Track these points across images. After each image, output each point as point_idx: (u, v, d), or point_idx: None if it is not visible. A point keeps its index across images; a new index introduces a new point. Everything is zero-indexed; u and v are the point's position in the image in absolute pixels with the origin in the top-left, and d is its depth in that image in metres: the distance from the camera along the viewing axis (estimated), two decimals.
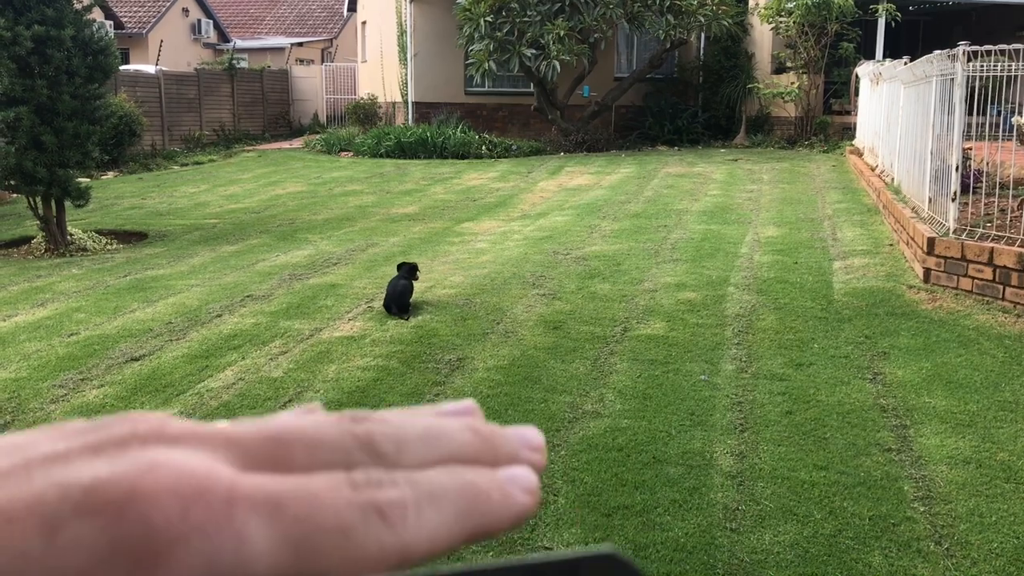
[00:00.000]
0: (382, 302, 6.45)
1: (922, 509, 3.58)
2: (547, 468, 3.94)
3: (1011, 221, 6.91)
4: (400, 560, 0.28)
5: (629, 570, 0.30)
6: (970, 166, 8.21)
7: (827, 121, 17.84)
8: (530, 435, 0.33)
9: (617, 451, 4.12)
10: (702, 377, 5.06)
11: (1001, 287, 6.28)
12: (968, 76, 6.91)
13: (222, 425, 0.30)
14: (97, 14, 22.56)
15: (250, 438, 0.29)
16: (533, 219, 10.50)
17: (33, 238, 9.76)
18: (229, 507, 0.26)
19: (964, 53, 6.79)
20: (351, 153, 18.62)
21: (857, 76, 15.80)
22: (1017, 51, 6.86)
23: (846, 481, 3.80)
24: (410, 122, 19.75)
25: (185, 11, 31.69)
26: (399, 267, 6.57)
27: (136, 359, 5.57)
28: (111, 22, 26.62)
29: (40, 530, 0.25)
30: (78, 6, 9.26)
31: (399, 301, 6.28)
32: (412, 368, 5.28)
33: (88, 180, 12.25)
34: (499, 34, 16.74)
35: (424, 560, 0.29)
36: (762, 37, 19.33)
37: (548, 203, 11.73)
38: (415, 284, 6.51)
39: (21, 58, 8.74)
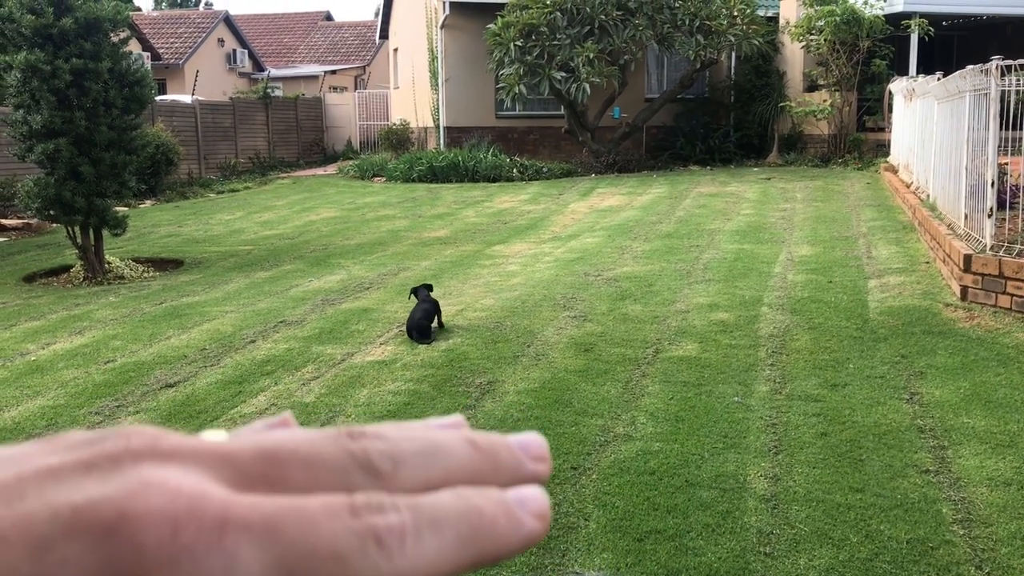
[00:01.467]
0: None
1: (961, 532, 3.50)
2: (578, 493, 3.92)
3: None
4: None
5: None
6: (1006, 181, 8.09)
7: (861, 138, 17.69)
8: (532, 444, 0.32)
9: (649, 475, 4.08)
10: (735, 399, 5.01)
11: None
12: (1003, 91, 6.83)
13: (216, 439, 0.30)
14: (134, 46, 23.05)
15: (245, 455, 0.29)
16: (564, 241, 10.50)
17: (72, 267, 9.93)
18: (221, 529, 0.26)
19: (997, 68, 6.71)
20: (384, 178, 18.77)
21: (890, 93, 15.67)
22: None
23: (883, 504, 3.73)
24: (442, 146, 19.88)
25: (220, 41, 32.26)
26: (414, 292, 6.58)
27: (171, 385, 5.62)
28: (148, 53, 27.18)
29: (30, 549, 0.25)
30: (115, 39, 9.45)
31: (419, 326, 6.31)
32: (443, 392, 5.28)
33: (125, 209, 12.46)
34: (529, 58, 16.83)
35: None
36: (793, 55, 19.26)
37: (579, 225, 11.73)
38: (438, 303, 6.56)
39: (60, 91, 8.93)
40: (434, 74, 20.44)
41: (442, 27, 19.82)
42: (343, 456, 0.29)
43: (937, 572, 3.24)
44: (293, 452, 0.29)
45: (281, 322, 7.08)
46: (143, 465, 0.27)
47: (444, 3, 19.52)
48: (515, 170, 17.74)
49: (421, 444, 0.31)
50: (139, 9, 37.80)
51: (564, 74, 16.85)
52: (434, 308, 6.45)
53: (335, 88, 31.49)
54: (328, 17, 40.06)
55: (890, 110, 15.79)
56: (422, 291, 6.54)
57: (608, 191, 15.24)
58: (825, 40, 17.00)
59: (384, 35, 27.59)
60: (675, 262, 8.87)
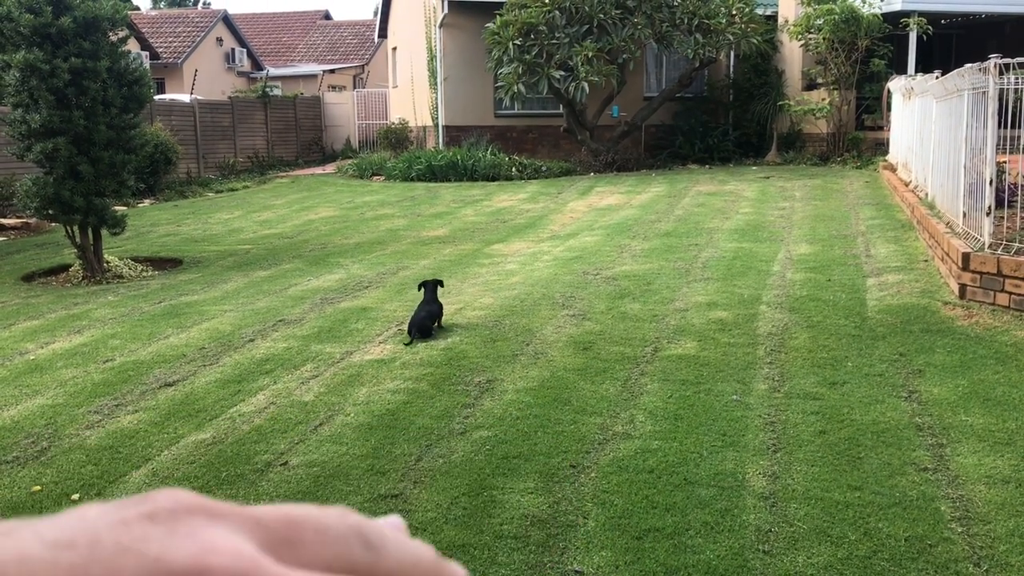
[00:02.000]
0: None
1: (960, 530, 3.51)
2: (577, 491, 3.92)
3: None
4: None
5: None
6: (1005, 180, 8.09)
7: (860, 137, 17.70)
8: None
9: (648, 473, 4.08)
10: (734, 397, 5.01)
11: None
12: (1001, 89, 6.83)
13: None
14: (133, 45, 23.05)
15: (271, 519, 0.34)
16: (563, 240, 10.50)
17: (71, 266, 9.92)
18: None
19: (995, 66, 6.72)
20: (383, 177, 18.76)
21: (889, 91, 15.67)
22: None
23: (881, 502, 3.74)
24: (440, 145, 19.87)
25: (219, 40, 32.25)
26: (423, 286, 6.58)
27: (170, 384, 5.62)
28: (147, 53, 27.17)
29: None
30: (114, 38, 9.44)
31: (421, 326, 6.31)
32: (442, 390, 5.29)
33: (124, 208, 12.46)
34: (528, 57, 16.82)
35: None
36: (792, 54, 19.26)
37: (578, 223, 11.73)
38: (441, 302, 6.56)
39: (59, 90, 8.92)
40: (433, 73, 20.43)
41: (441, 26, 19.82)
42: (345, 528, 0.35)
43: (935, 569, 3.24)
44: (306, 520, 0.35)
45: (280, 321, 7.08)
46: (196, 519, 0.32)
47: (443, 2, 19.52)
48: (514, 169, 17.74)
49: (395, 531, 0.37)
50: (137, 8, 37.79)
51: (563, 73, 16.84)
52: (439, 310, 6.47)
53: (334, 87, 31.47)
54: (327, 16, 40.04)
55: (889, 109, 15.79)
56: (430, 287, 6.53)
57: (607, 190, 15.24)
58: (824, 39, 17.00)
59: (383, 34, 27.57)
60: (674, 261, 8.87)
